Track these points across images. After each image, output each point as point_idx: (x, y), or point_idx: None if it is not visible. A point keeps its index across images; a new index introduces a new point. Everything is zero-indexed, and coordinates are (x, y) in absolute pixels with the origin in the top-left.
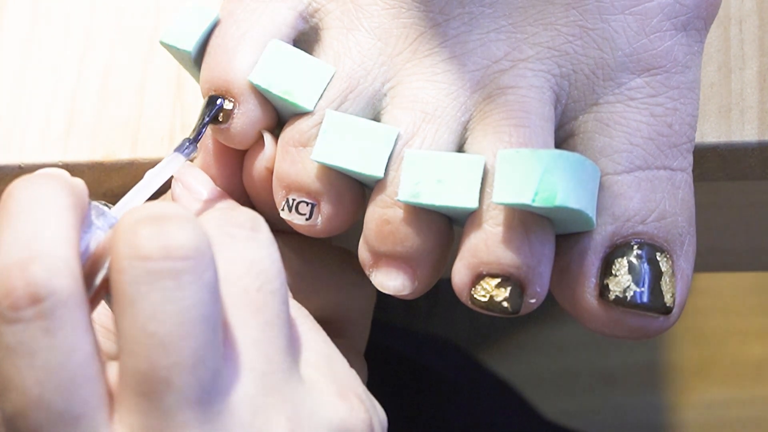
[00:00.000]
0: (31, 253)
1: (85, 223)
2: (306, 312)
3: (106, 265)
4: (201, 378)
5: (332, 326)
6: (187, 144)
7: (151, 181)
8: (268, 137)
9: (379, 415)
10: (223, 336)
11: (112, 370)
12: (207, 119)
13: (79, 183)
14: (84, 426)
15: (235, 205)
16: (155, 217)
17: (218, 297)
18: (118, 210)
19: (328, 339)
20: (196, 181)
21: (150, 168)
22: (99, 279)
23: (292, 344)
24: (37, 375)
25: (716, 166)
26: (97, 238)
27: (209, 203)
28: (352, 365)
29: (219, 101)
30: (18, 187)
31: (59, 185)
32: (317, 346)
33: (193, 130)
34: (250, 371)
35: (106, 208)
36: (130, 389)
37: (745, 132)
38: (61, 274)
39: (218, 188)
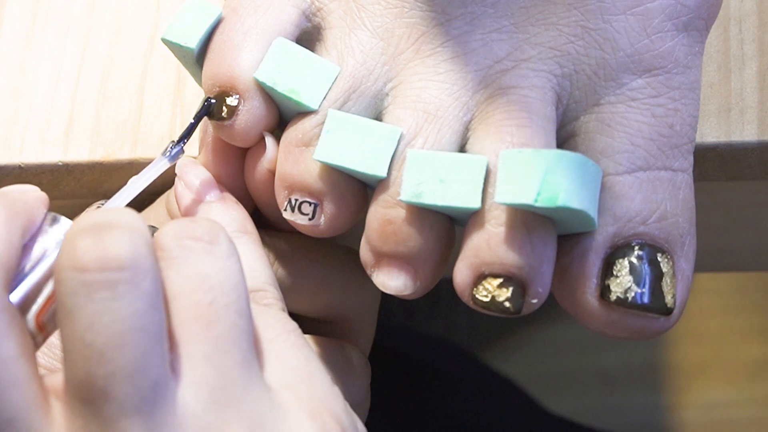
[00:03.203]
0: None
1: (37, 232)
2: (293, 327)
3: None
4: (139, 387)
5: (336, 326)
6: (171, 147)
7: (131, 186)
8: (269, 138)
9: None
10: (173, 350)
11: (59, 375)
12: (194, 122)
13: (29, 196)
14: (19, 428)
15: (197, 217)
16: (95, 227)
17: (159, 307)
18: None
19: (312, 356)
20: (198, 179)
21: None
22: (49, 287)
23: (254, 359)
24: None
25: (716, 166)
26: (44, 248)
27: (209, 202)
28: (356, 368)
29: (207, 103)
30: None
31: None
32: (296, 364)
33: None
34: (201, 385)
35: (61, 217)
36: (72, 395)
37: (745, 132)
38: None
39: (220, 187)
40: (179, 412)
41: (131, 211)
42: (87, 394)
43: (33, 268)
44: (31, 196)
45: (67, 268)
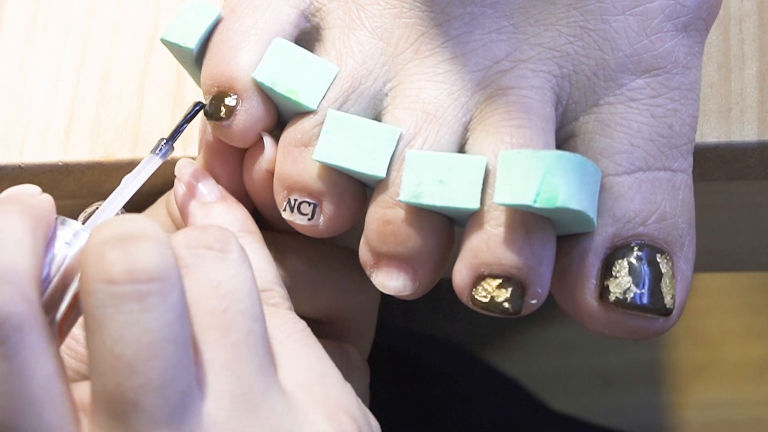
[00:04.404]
0: None
1: (51, 240)
2: (302, 326)
3: (77, 278)
4: (169, 399)
5: (336, 326)
6: (163, 145)
7: (126, 186)
8: (267, 139)
9: (374, 430)
10: (193, 358)
11: (85, 388)
12: (184, 121)
13: (43, 201)
14: None
15: (207, 225)
16: (121, 238)
17: (186, 317)
18: (95, 219)
19: (323, 355)
20: (198, 180)
21: None
22: (71, 293)
23: (270, 363)
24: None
25: (716, 166)
26: (64, 254)
27: (210, 203)
28: (355, 368)
29: (199, 105)
30: None
31: (17, 210)
32: (308, 364)
33: (172, 129)
34: (222, 393)
35: (74, 222)
36: (100, 409)
37: (745, 132)
38: (14, 300)
39: (220, 187)
40: (204, 422)
41: (152, 221)
42: (116, 407)
43: (52, 275)
44: (44, 200)
45: (96, 281)
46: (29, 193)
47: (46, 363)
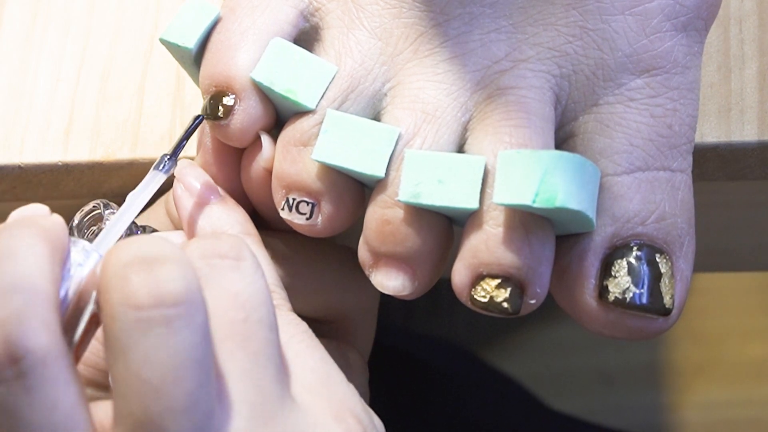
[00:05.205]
0: (7, 312)
1: (66, 261)
2: (304, 327)
3: (92, 299)
4: (195, 420)
5: (336, 326)
6: (166, 161)
7: (132, 204)
8: (265, 138)
9: (378, 430)
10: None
11: (104, 409)
12: (185, 135)
13: (56, 223)
14: None
15: (219, 234)
16: (144, 261)
17: (209, 337)
18: (103, 238)
19: (326, 355)
20: (197, 181)
21: (150, 168)
22: (87, 315)
23: (284, 370)
24: None
25: (716, 166)
26: (79, 275)
27: (210, 204)
28: (353, 368)
29: (199, 118)
30: None
31: (35, 234)
32: (313, 365)
33: (173, 146)
34: (242, 404)
35: (81, 241)
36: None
37: (745, 132)
38: (37, 332)
39: (219, 188)
40: None
41: (170, 242)
42: (142, 430)
43: (69, 299)
44: (58, 223)
45: (122, 305)
46: (41, 214)
47: (70, 392)
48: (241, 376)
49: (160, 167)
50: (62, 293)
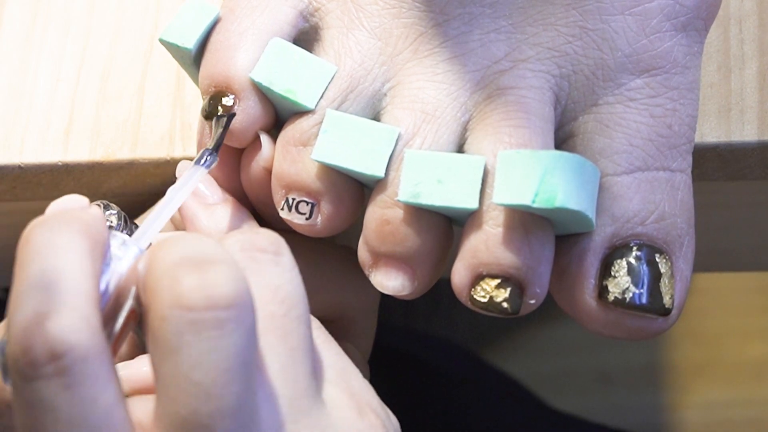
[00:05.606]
0: (48, 308)
1: (105, 255)
2: (318, 323)
3: (132, 294)
4: (241, 421)
5: (336, 326)
6: (207, 155)
7: (173, 198)
8: (264, 137)
9: (393, 425)
10: None
11: (141, 407)
12: (224, 130)
13: (95, 216)
14: None
15: (257, 227)
16: (195, 262)
17: (256, 337)
18: (143, 231)
19: (340, 350)
20: (202, 183)
21: (150, 168)
22: (125, 311)
23: (317, 366)
24: (61, 430)
25: (716, 166)
26: (119, 270)
27: (213, 204)
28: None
29: (233, 114)
30: (34, 233)
31: (76, 229)
32: (330, 359)
33: (212, 140)
34: (280, 398)
35: (127, 237)
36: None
37: (745, 132)
38: (78, 328)
39: (223, 190)
40: (263, 428)
41: (215, 241)
42: (188, 431)
43: (108, 293)
44: (97, 216)
45: (173, 306)
46: (80, 206)
47: (109, 390)
48: (280, 371)
49: (201, 162)
50: (102, 288)
